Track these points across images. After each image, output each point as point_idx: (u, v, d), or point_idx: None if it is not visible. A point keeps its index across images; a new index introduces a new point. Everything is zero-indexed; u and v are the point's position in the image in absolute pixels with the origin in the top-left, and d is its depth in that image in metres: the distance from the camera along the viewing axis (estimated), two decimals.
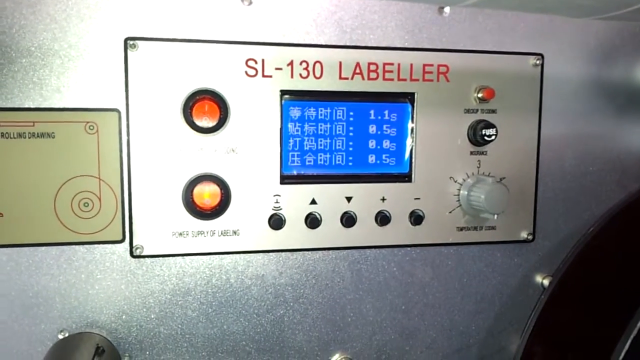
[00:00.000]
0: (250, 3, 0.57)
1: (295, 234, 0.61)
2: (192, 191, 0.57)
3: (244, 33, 0.58)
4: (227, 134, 0.58)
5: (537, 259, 0.69)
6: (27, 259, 0.56)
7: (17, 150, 0.54)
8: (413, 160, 0.63)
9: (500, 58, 0.64)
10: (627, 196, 0.71)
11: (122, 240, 0.57)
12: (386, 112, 0.62)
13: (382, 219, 0.62)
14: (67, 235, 0.56)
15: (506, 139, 0.65)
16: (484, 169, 0.65)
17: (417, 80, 0.62)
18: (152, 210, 0.57)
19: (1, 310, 0.56)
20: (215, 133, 0.57)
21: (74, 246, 0.56)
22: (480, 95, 0.63)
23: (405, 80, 0.61)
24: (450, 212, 0.65)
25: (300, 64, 0.59)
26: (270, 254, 0.61)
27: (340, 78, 0.60)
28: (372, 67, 0.61)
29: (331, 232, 0.62)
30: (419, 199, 0.63)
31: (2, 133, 0.53)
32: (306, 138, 0.60)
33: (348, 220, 0.61)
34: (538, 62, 0.65)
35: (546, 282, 0.68)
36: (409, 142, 0.63)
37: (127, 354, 0.59)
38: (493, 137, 0.62)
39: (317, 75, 0.59)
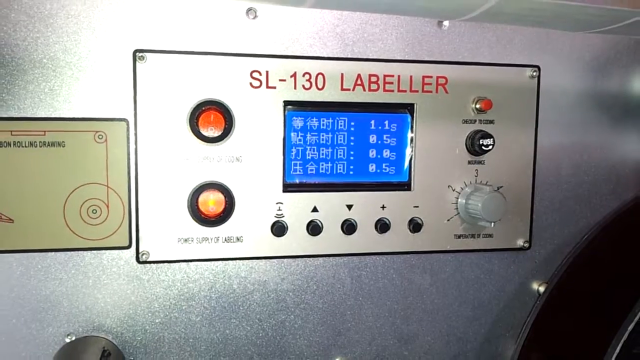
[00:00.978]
0: (255, 17, 0.59)
1: (297, 240, 0.62)
2: (197, 199, 0.58)
3: (249, 45, 0.59)
4: (232, 144, 0.59)
5: (533, 266, 0.71)
6: (36, 263, 0.57)
7: (29, 158, 0.55)
8: (412, 169, 0.64)
9: (498, 70, 0.66)
10: (621, 205, 0.72)
11: (129, 247, 0.59)
12: (386, 122, 0.63)
13: (382, 226, 0.64)
14: (75, 241, 0.57)
15: (503, 149, 0.66)
16: (481, 178, 0.66)
17: (417, 91, 0.63)
18: (158, 217, 0.58)
19: (11, 313, 0.57)
20: (220, 142, 0.59)
21: (82, 252, 0.58)
22: (478, 106, 0.64)
23: (405, 91, 0.63)
24: (448, 220, 0.66)
25: (303, 75, 0.60)
26: (273, 260, 0.63)
27: (342, 89, 0.61)
28: (373, 79, 0.62)
29: (332, 239, 0.63)
30: (418, 207, 0.65)
31: (14, 142, 0.55)
32: (308, 147, 0.62)
33: (349, 227, 0.63)
34: (535, 74, 0.67)
35: (542, 289, 0.70)
36: (408, 151, 0.64)
37: (132, 358, 0.60)
38: (490, 147, 0.64)
39: (320, 86, 0.61)
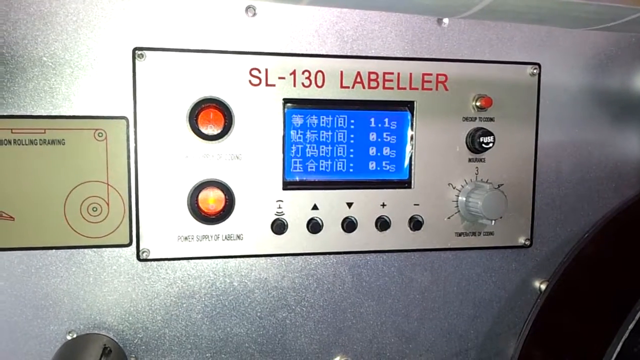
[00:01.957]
0: (255, 14, 0.59)
1: (297, 238, 0.62)
2: (197, 196, 0.58)
3: (248, 43, 0.59)
4: (232, 141, 0.59)
5: (534, 264, 0.70)
6: (37, 261, 0.57)
7: (29, 156, 0.55)
8: (412, 167, 0.64)
9: (498, 67, 0.66)
10: (622, 202, 0.72)
11: (129, 244, 0.59)
12: (386, 120, 0.63)
13: (382, 224, 0.64)
14: (76, 238, 0.57)
15: (504, 147, 0.66)
16: (482, 176, 0.66)
17: (417, 89, 0.63)
18: (159, 215, 0.59)
19: (12, 311, 0.57)
20: (219, 140, 0.59)
21: (82, 249, 0.58)
22: (478, 103, 0.64)
23: (404, 89, 0.63)
24: (449, 218, 0.66)
25: (303, 73, 0.60)
26: (273, 258, 0.63)
27: (342, 87, 0.61)
28: (373, 77, 0.62)
29: (332, 237, 0.63)
30: (418, 204, 0.65)
31: (14, 140, 0.55)
32: (308, 145, 0.62)
33: (349, 225, 0.63)
34: (535, 71, 0.67)
35: (543, 286, 0.69)
36: (408, 149, 0.64)
37: (133, 355, 0.60)
38: (491, 145, 0.64)
39: (319, 84, 0.61)
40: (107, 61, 0.56)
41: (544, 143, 0.68)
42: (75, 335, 0.59)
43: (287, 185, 0.61)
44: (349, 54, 0.62)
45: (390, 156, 0.64)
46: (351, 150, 0.63)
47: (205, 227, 0.60)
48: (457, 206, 0.66)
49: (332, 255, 0.64)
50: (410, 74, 0.63)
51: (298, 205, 0.62)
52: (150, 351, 0.61)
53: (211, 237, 0.60)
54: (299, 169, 0.62)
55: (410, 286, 0.67)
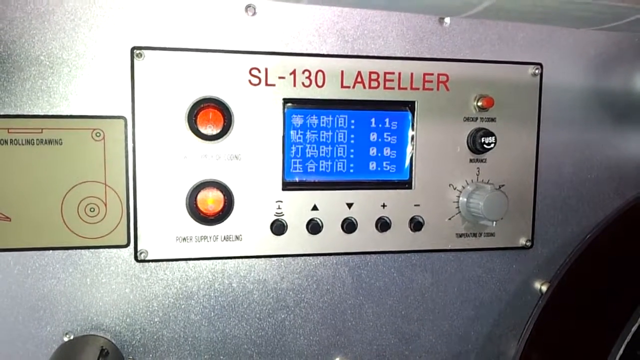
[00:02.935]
0: (254, 13, 0.58)
1: (296, 239, 0.62)
2: (195, 197, 0.58)
3: (248, 43, 0.59)
4: (231, 141, 0.59)
5: (535, 266, 0.70)
6: (34, 262, 0.57)
7: (26, 156, 0.55)
8: (413, 167, 0.64)
9: (500, 67, 0.65)
10: (624, 203, 0.72)
11: (127, 245, 0.58)
12: (387, 120, 0.63)
13: (383, 225, 0.63)
14: (73, 239, 0.57)
15: (505, 147, 0.66)
16: (483, 177, 0.66)
17: (418, 89, 0.63)
18: (157, 216, 0.58)
19: (8, 312, 0.57)
20: (219, 140, 0.58)
21: (79, 250, 0.57)
22: (479, 104, 0.64)
23: (405, 89, 0.62)
24: (449, 219, 0.65)
25: (303, 72, 0.60)
26: (272, 259, 0.62)
27: (342, 87, 0.61)
28: (373, 76, 0.62)
29: (332, 238, 0.63)
30: (418, 205, 0.64)
31: (11, 139, 0.54)
32: (308, 145, 0.61)
33: (349, 226, 0.62)
34: (537, 71, 0.66)
35: (544, 288, 0.69)
36: (409, 149, 0.63)
37: (130, 357, 0.60)
38: (492, 145, 0.63)
39: (320, 84, 0.60)
40: (105, 60, 0.56)
41: (545, 144, 0.68)
42: (72, 337, 0.58)
43: (287, 186, 0.61)
44: (349, 53, 0.61)
45: (391, 156, 0.63)
46: (351, 150, 0.62)
47: (204, 228, 0.59)
48: (458, 207, 0.65)
49: (332, 257, 0.64)
50: (412, 73, 0.62)
51: (298, 206, 0.61)
52: (148, 353, 0.61)
53: (210, 237, 0.60)
54: (299, 169, 0.61)
55: (410, 287, 0.66)
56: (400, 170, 0.64)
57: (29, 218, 0.56)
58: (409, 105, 0.63)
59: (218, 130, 0.58)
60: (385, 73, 0.62)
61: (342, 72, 0.61)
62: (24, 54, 0.54)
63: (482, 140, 0.63)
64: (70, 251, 0.57)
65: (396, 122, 0.63)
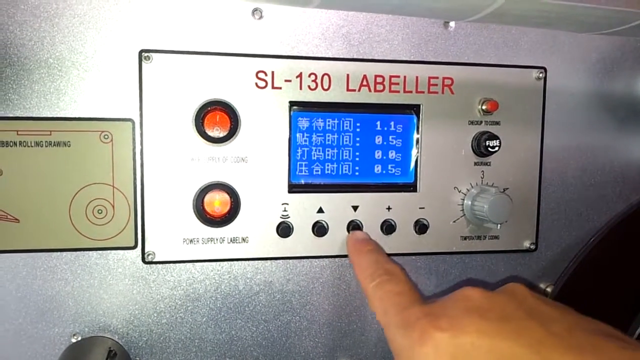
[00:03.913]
0: (261, 17, 0.59)
1: (302, 241, 0.62)
2: (202, 199, 0.58)
3: (255, 46, 0.59)
4: (237, 144, 0.59)
5: (539, 268, 0.70)
6: (42, 263, 0.57)
7: (34, 158, 0.55)
8: (418, 170, 0.64)
9: (504, 71, 0.66)
10: (627, 207, 0.72)
11: (135, 247, 0.59)
12: (392, 123, 0.63)
13: (388, 227, 0.63)
14: (81, 241, 0.57)
15: (509, 150, 0.66)
16: (487, 180, 0.66)
17: (423, 92, 0.63)
18: (164, 218, 0.58)
19: (17, 313, 0.57)
20: (225, 143, 0.59)
21: (87, 252, 0.58)
22: (484, 107, 0.64)
23: (411, 92, 0.63)
24: (454, 222, 0.66)
25: (309, 76, 0.60)
26: (278, 261, 0.63)
27: (348, 90, 0.61)
28: (379, 80, 0.62)
29: (338, 240, 0.63)
30: (423, 208, 0.65)
31: (20, 141, 0.55)
32: (314, 148, 0.61)
33: (354, 228, 0.63)
34: (541, 75, 0.67)
35: (549, 290, 0.69)
36: (414, 152, 0.64)
37: (137, 358, 0.60)
38: (496, 149, 0.64)
39: (325, 87, 0.61)
40: (113, 63, 0.56)
41: (549, 147, 0.68)
42: (80, 338, 0.58)
43: (293, 188, 0.61)
44: (355, 57, 0.62)
45: (396, 159, 0.64)
46: (357, 153, 0.63)
47: (210, 230, 0.60)
48: (463, 210, 0.66)
49: (337, 259, 0.64)
50: (417, 77, 0.63)
51: (303, 208, 0.62)
52: (155, 354, 0.61)
53: (216, 239, 0.60)
54: (305, 172, 0.61)
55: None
56: (405, 173, 0.64)
57: (37, 220, 0.56)
58: (414, 109, 0.63)
59: (225, 133, 0.58)
60: (390, 76, 0.62)
61: (347, 75, 0.61)
62: (33, 57, 0.54)
63: (487, 144, 0.63)
64: (78, 253, 0.58)
65: (401, 125, 0.63)
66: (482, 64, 0.65)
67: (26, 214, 0.56)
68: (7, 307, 0.57)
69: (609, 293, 0.65)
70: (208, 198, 0.58)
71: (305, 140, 0.61)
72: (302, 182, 0.62)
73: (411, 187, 0.64)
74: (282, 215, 0.61)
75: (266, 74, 0.59)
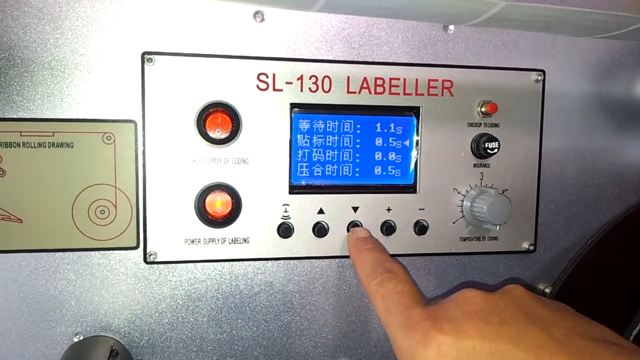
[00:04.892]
0: (262, 20, 0.59)
1: (303, 242, 0.63)
2: (204, 200, 0.59)
3: (256, 48, 0.60)
4: (239, 145, 0.60)
5: (538, 269, 0.71)
6: (44, 263, 0.57)
7: (37, 159, 0.56)
8: (418, 172, 0.64)
9: (503, 74, 0.66)
10: (626, 209, 0.72)
11: (137, 247, 0.59)
12: (392, 125, 0.63)
13: (388, 228, 0.64)
14: (83, 241, 0.58)
15: (508, 152, 0.67)
16: (486, 181, 0.66)
17: (422, 94, 0.64)
18: (166, 218, 0.59)
19: (19, 313, 0.58)
20: (227, 144, 0.59)
21: (90, 252, 0.58)
22: (483, 109, 0.64)
23: (410, 94, 0.63)
24: (453, 223, 0.66)
25: (310, 78, 0.61)
26: (279, 261, 0.63)
27: (348, 92, 0.62)
28: (379, 82, 0.63)
29: (338, 241, 0.63)
30: (423, 209, 0.65)
31: (23, 142, 0.55)
32: (315, 150, 0.62)
33: None
34: (540, 78, 0.67)
35: (547, 291, 0.70)
36: (414, 154, 0.64)
37: (139, 357, 0.61)
38: (496, 150, 0.64)
39: (326, 89, 0.61)
40: (116, 65, 0.57)
41: (548, 149, 0.69)
42: (82, 338, 0.59)
43: (294, 189, 0.62)
44: (355, 59, 0.62)
45: (396, 161, 0.64)
46: (357, 155, 0.63)
47: (212, 231, 0.60)
48: (462, 211, 0.66)
49: (337, 259, 0.64)
50: (416, 79, 0.63)
51: (304, 209, 0.62)
52: (157, 354, 0.61)
53: (218, 240, 0.60)
54: (306, 173, 0.62)
55: None
56: (405, 174, 0.64)
57: (40, 220, 0.56)
58: (414, 111, 0.64)
59: (226, 135, 0.58)
60: (390, 79, 0.63)
61: (348, 77, 0.62)
62: (37, 59, 0.55)
63: (486, 146, 0.64)
64: (80, 253, 0.58)
65: (401, 127, 0.64)
66: (481, 66, 0.65)
67: (29, 214, 0.56)
68: (10, 307, 0.57)
69: (607, 294, 0.66)
70: (209, 199, 0.59)
71: (306, 142, 0.62)
72: (303, 183, 0.62)
73: (411, 189, 0.65)
74: (283, 216, 0.62)
75: (267, 76, 0.60)
